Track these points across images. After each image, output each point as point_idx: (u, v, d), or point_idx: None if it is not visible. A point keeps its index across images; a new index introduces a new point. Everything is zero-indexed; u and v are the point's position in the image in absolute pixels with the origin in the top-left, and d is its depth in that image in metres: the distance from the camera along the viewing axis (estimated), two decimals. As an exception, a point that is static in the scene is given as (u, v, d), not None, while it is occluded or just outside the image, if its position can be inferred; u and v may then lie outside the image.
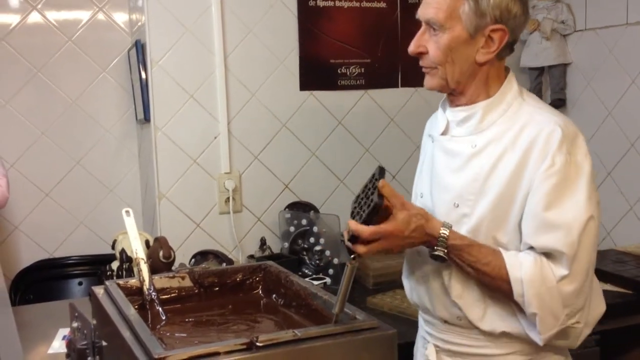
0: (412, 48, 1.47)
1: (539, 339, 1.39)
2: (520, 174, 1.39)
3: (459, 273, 1.46)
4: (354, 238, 1.37)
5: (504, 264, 1.38)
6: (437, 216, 1.48)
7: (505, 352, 1.47)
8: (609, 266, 2.43)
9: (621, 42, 2.83)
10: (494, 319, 1.45)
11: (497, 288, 1.42)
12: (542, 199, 1.36)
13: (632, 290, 2.26)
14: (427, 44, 1.46)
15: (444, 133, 1.53)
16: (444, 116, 1.54)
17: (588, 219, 1.36)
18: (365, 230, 1.35)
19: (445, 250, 1.40)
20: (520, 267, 1.37)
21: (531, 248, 1.39)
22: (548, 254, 1.37)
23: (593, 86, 2.98)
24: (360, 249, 1.37)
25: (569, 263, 1.35)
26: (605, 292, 2.26)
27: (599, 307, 1.51)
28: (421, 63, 1.49)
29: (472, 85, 1.47)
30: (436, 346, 1.56)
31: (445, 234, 1.40)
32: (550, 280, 1.35)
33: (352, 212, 1.42)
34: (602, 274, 2.34)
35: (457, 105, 1.51)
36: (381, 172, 1.38)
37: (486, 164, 1.43)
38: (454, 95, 1.50)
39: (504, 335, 1.46)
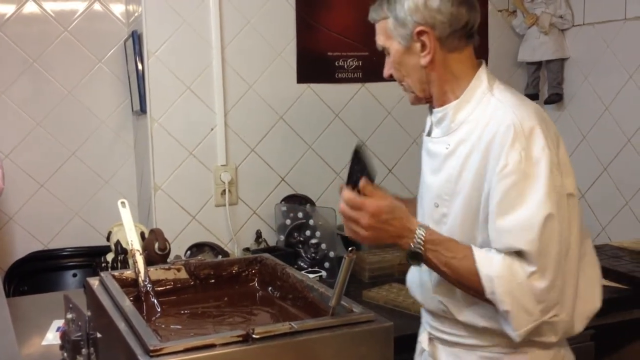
0: (384, 74, 1.58)
1: (515, 336, 1.40)
2: (482, 173, 1.42)
3: None
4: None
5: (475, 261, 1.40)
6: (425, 215, 1.55)
7: (488, 344, 1.50)
8: (604, 261, 2.43)
9: (619, 37, 2.83)
10: (473, 314, 1.48)
11: (470, 286, 1.42)
12: (500, 201, 1.38)
13: (628, 285, 2.26)
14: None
15: (428, 134, 1.60)
16: (429, 118, 1.60)
17: (546, 217, 1.35)
18: (347, 193, 1.42)
19: (422, 248, 1.41)
20: (491, 264, 1.38)
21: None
22: (516, 252, 1.37)
23: (590, 81, 2.98)
24: (341, 206, 1.44)
25: (534, 259, 1.35)
26: (601, 287, 2.28)
27: (592, 303, 1.52)
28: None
29: (434, 87, 1.52)
30: (430, 334, 1.61)
31: (422, 230, 1.42)
32: (521, 276, 1.36)
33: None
34: (598, 269, 2.35)
35: (435, 107, 1.56)
36: (357, 152, 1.43)
37: (457, 164, 1.47)
38: (430, 101, 1.57)
39: (486, 329, 1.48)
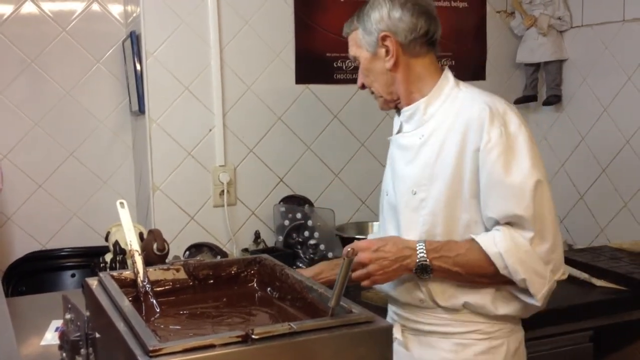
0: (358, 84, 1.73)
1: (535, 301, 1.50)
2: (463, 154, 1.54)
3: None
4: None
5: (480, 247, 1.50)
6: (400, 206, 1.64)
7: (465, 330, 1.59)
8: (603, 262, 2.44)
9: (617, 39, 2.83)
10: (454, 295, 1.57)
11: (484, 274, 1.52)
12: (490, 173, 1.50)
13: (626, 286, 2.26)
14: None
15: (398, 133, 1.71)
16: (397, 119, 1.73)
17: (536, 184, 1.48)
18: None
19: (427, 258, 1.52)
20: (494, 242, 1.49)
21: (496, 223, 1.51)
22: (512, 223, 1.49)
23: (589, 83, 2.98)
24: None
25: (531, 225, 1.47)
26: (599, 289, 2.29)
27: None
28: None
29: (400, 89, 1.65)
30: (402, 325, 1.68)
31: (422, 243, 1.54)
32: (524, 244, 1.48)
33: None
34: (596, 270, 2.36)
35: (403, 107, 1.69)
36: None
37: (433, 150, 1.59)
38: (397, 105, 1.70)
39: (465, 308, 1.57)
